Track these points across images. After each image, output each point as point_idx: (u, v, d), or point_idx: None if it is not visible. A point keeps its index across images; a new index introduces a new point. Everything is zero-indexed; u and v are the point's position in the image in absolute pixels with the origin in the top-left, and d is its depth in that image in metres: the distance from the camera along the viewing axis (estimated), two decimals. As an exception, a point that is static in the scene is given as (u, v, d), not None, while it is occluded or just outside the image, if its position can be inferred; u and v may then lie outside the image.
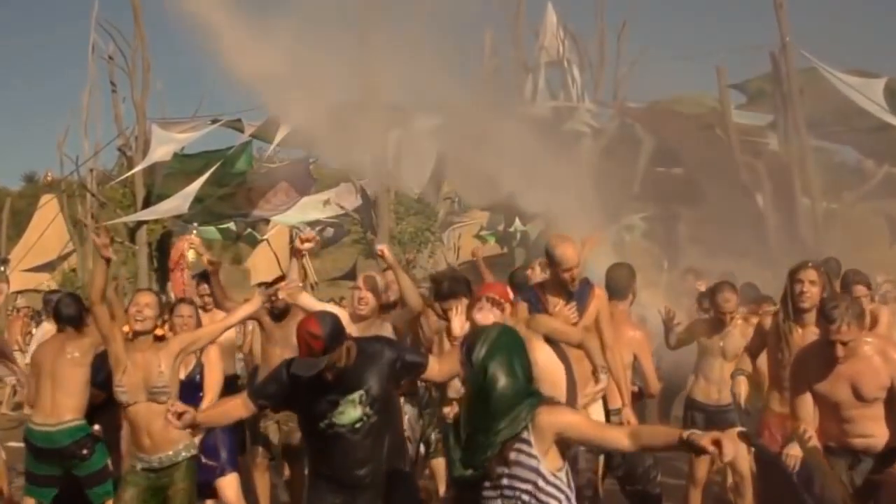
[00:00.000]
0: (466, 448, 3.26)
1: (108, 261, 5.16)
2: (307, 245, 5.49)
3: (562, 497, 3.20)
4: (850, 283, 6.34)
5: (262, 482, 7.11)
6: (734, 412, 6.62)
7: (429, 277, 5.56)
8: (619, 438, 3.13)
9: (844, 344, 4.38)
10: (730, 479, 6.99)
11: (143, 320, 5.26)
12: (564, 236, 5.42)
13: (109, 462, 6.17)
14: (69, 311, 6.27)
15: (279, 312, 6.94)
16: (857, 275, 6.50)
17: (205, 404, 5.78)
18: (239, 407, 4.33)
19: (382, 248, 5.68)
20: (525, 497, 3.16)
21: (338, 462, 4.18)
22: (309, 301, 5.75)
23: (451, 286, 5.46)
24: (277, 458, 7.26)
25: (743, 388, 5.33)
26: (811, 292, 5.12)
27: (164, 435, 5.21)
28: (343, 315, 5.35)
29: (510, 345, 3.22)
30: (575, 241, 5.39)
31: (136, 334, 5.29)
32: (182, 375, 5.60)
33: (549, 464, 3.17)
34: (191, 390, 5.83)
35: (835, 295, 4.85)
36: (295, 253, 5.47)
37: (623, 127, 17.81)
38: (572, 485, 3.27)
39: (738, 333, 6.56)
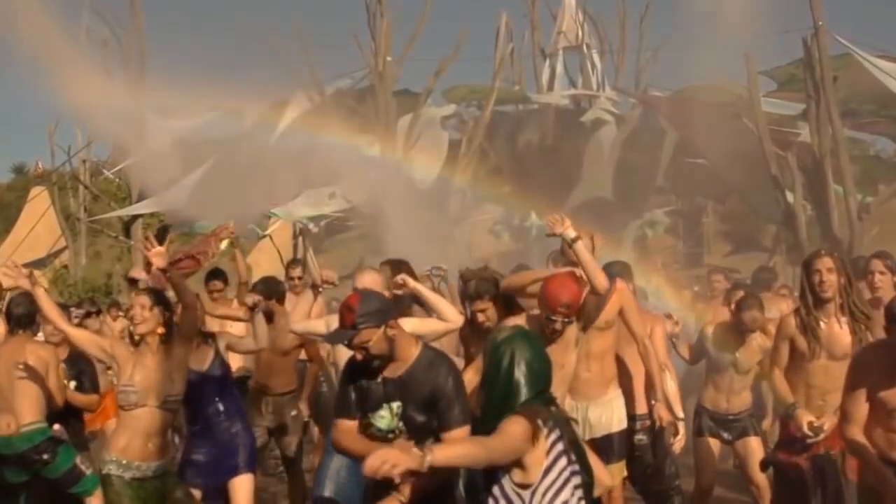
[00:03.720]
0: None
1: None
2: (328, 286, 5.46)
3: None
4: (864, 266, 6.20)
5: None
6: (745, 420, 6.67)
7: (458, 275, 5.43)
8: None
9: None
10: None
11: (143, 321, 5.27)
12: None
13: (79, 460, 6.10)
14: (18, 311, 6.12)
15: (265, 314, 7.01)
16: (870, 255, 6.32)
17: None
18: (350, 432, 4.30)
19: (402, 279, 5.40)
20: (490, 501, 3.27)
21: None
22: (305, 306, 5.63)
23: (478, 286, 5.40)
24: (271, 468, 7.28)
25: (806, 420, 5.28)
26: (830, 280, 5.14)
27: (165, 442, 5.29)
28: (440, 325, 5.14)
29: (515, 346, 3.32)
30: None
31: (136, 336, 5.32)
32: (203, 367, 5.62)
33: (514, 475, 3.23)
34: (208, 384, 5.79)
35: None
36: (313, 288, 5.41)
37: (646, 116, 17.82)
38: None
39: (756, 347, 6.55)
